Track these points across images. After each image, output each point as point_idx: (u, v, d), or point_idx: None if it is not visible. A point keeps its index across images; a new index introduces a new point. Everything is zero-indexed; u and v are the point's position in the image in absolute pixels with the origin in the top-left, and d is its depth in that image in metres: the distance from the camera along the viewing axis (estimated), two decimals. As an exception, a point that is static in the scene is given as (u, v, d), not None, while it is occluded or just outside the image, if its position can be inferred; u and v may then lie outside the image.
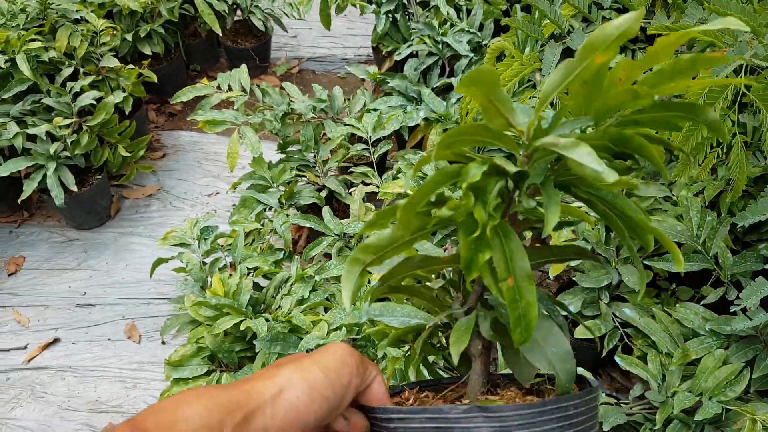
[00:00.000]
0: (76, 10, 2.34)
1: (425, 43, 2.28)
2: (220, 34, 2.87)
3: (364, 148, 2.07)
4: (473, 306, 0.51)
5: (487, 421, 0.42)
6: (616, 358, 1.42)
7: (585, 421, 0.47)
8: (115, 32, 2.48)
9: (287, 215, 1.84)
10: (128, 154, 2.35)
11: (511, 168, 0.43)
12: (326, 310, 1.53)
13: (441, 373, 1.09)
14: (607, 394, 1.41)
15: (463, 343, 0.48)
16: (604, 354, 1.52)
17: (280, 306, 1.55)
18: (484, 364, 0.52)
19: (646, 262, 1.51)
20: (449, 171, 0.45)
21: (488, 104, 0.43)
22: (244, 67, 2.05)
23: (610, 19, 1.59)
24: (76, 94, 2.20)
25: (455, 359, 0.47)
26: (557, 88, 0.44)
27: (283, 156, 2.08)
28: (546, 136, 0.42)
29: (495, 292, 0.44)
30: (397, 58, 2.40)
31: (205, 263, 1.76)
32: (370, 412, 0.50)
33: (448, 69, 2.29)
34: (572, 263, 1.60)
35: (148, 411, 0.43)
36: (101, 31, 2.39)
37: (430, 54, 2.30)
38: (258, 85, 2.05)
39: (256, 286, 1.68)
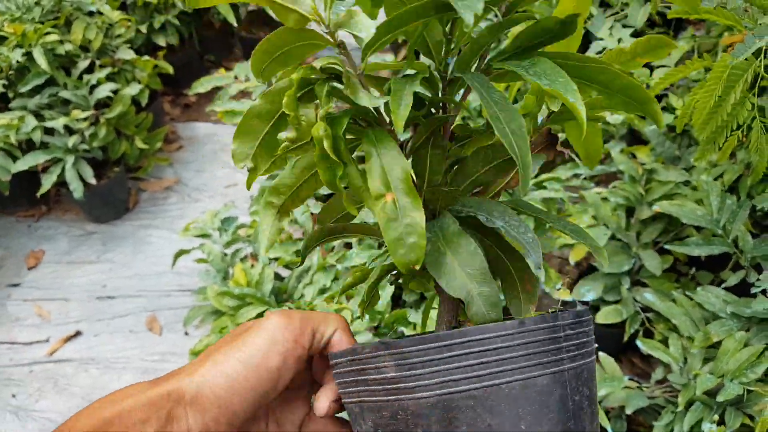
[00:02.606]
0: (91, 3, 2.35)
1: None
2: (235, 24, 2.87)
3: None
4: None
5: (392, 357, 0.40)
6: (638, 342, 1.42)
7: (524, 364, 0.39)
8: (129, 24, 2.49)
9: (307, 205, 1.84)
10: (146, 147, 2.36)
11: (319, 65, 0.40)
12: (348, 298, 1.55)
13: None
14: (629, 379, 1.42)
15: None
16: (626, 339, 1.53)
17: (302, 295, 1.57)
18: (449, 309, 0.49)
19: (666, 246, 1.51)
20: (276, 89, 0.41)
21: (272, 3, 0.39)
22: (260, 57, 2.05)
23: (627, 5, 1.59)
24: (93, 87, 2.22)
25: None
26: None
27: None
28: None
29: (369, 207, 0.40)
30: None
31: (226, 254, 1.77)
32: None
33: (463, 56, 2.29)
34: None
35: (80, 414, 0.42)
36: (116, 23, 2.40)
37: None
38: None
39: (278, 276, 1.69)
